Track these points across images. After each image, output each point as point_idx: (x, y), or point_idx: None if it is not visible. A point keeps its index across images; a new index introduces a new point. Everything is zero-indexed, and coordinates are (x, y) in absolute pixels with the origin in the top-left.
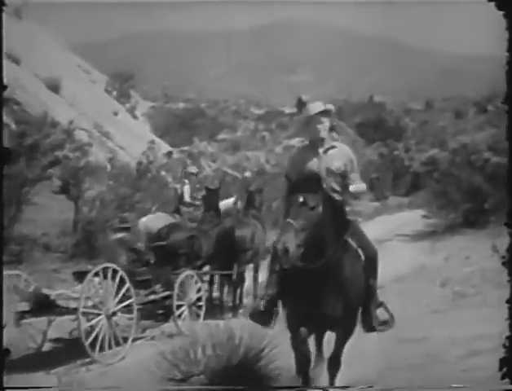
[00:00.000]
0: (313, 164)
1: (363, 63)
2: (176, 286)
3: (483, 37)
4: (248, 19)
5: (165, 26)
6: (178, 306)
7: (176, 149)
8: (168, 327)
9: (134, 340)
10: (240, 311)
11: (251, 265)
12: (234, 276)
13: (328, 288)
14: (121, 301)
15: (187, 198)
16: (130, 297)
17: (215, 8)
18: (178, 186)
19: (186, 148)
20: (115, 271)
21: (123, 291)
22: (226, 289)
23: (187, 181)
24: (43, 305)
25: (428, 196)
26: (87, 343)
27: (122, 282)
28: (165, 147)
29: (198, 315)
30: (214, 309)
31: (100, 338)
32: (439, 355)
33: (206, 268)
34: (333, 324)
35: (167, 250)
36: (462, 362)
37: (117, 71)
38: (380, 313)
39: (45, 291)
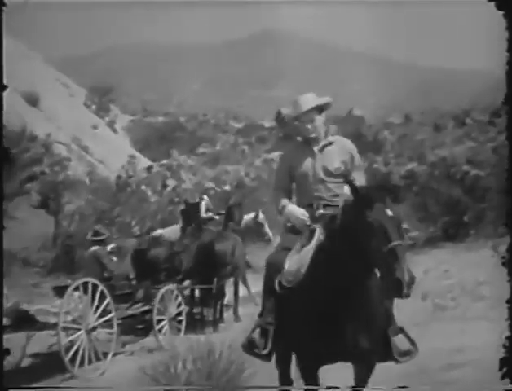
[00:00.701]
0: (307, 165)
1: (342, 76)
2: (156, 300)
3: (482, 37)
4: (226, 32)
5: (144, 40)
6: (159, 321)
7: (156, 163)
8: (148, 341)
9: (115, 355)
10: (221, 325)
11: (231, 280)
12: (214, 290)
13: (352, 314)
14: (101, 316)
15: (203, 213)
16: (110, 312)
17: (195, 22)
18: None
19: (165, 162)
20: (95, 286)
21: (103, 305)
22: (206, 303)
23: (205, 197)
24: (22, 321)
25: (407, 209)
26: (67, 358)
27: (103, 296)
28: (144, 160)
29: (179, 330)
30: (195, 323)
31: (80, 353)
32: (423, 367)
33: (187, 282)
34: (357, 358)
35: (148, 264)
36: (444, 374)
37: (96, 84)
38: (399, 340)
39: (24, 306)
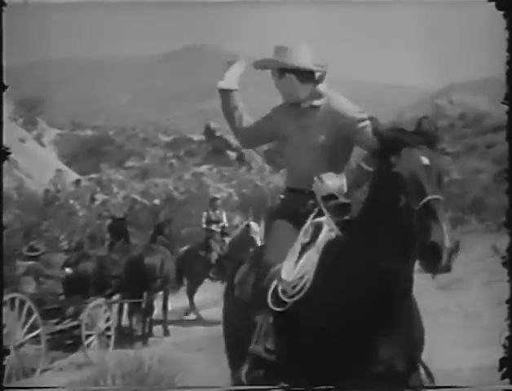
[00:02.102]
0: (293, 133)
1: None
2: (85, 315)
3: (482, 37)
4: (157, 45)
5: (72, 53)
6: (87, 336)
7: (84, 177)
8: (77, 356)
9: (43, 371)
10: (151, 339)
11: (160, 293)
12: (143, 304)
13: (387, 333)
14: (28, 332)
15: (203, 225)
16: (37, 327)
17: (124, 35)
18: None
19: (94, 176)
20: (22, 301)
21: (31, 321)
22: (135, 318)
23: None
24: None
25: None
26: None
27: (30, 312)
28: (72, 174)
29: (108, 344)
30: (124, 337)
31: (8, 370)
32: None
33: (116, 297)
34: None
35: (76, 279)
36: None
37: (24, 98)
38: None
39: None
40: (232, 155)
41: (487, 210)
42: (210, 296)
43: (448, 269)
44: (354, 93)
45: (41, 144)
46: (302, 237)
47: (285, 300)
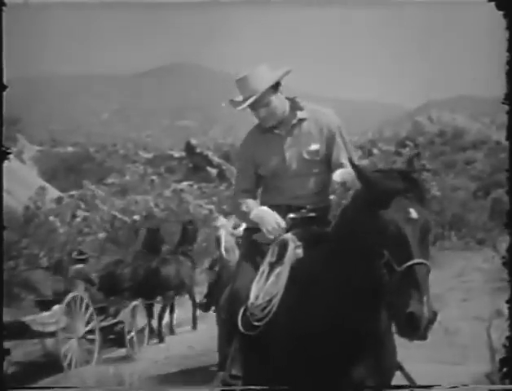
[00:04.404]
0: (274, 155)
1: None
2: (127, 314)
3: (482, 37)
4: (134, 63)
5: (51, 70)
6: (128, 332)
7: (65, 194)
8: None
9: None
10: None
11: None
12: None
13: (357, 354)
14: (86, 325)
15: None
16: (93, 322)
17: (102, 52)
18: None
19: (75, 192)
20: (82, 299)
21: (87, 316)
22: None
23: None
24: (21, 330)
25: None
26: (65, 363)
27: (87, 308)
28: (52, 191)
29: (142, 341)
30: (152, 336)
31: (69, 358)
32: None
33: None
34: None
35: (113, 283)
36: None
37: (4, 115)
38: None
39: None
40: (213, 171)
41: (466, 226)
42: None
43: (423, 337)
44: (334, 110)
45: (22, 161)
46: (270, 256)
47: (254, 323)
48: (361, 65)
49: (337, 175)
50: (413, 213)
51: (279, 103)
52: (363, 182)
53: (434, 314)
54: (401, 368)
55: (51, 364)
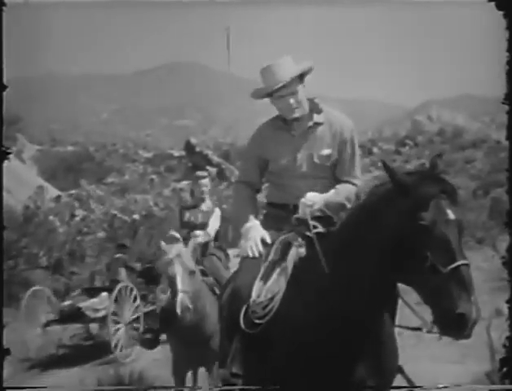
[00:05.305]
0: (286, 154)
1: (249, 106)
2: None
3: (483, 37)
4: (133, 62)
5: (51, 70)
6: None
7: (64, 193)
8: None
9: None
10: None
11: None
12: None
13: (358, 354)
14: (133, 314)
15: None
16: (138, 310)
17: (102, 52)
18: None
19: (74, 192)
20: (132, 289)
21: (135, 305)
22: None
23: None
24: (76, 315)
25: None
26: (113, 344)
27: (135, 297)
28: (52, 190)
29: None
30: None
31: (116, 341)
32: None
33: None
34: None
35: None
36: None
37: (4, 114)
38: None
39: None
40: (213, 170)
41: (465, 225)
42: None
43: (468, 336)
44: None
45: (21, 160)
46: (273, 254)
47: (256, 321)
48: (361, 64)
49: (308, 198)
50: (451, 214)
51: (304, 96)
52: (397, 186)
53: (479, 313)
54: (401, 371)
55: (98, 347)
